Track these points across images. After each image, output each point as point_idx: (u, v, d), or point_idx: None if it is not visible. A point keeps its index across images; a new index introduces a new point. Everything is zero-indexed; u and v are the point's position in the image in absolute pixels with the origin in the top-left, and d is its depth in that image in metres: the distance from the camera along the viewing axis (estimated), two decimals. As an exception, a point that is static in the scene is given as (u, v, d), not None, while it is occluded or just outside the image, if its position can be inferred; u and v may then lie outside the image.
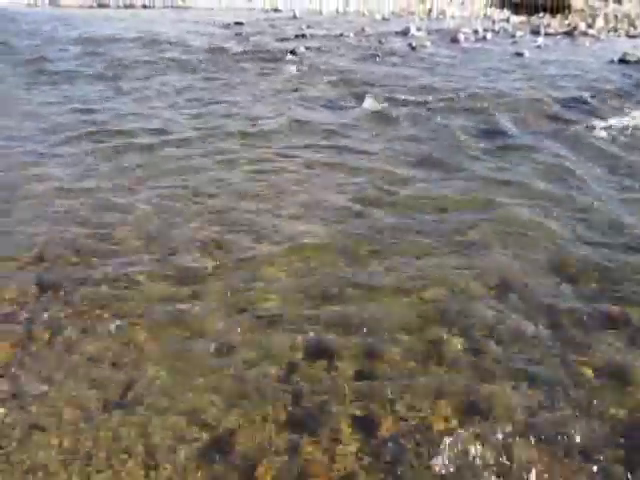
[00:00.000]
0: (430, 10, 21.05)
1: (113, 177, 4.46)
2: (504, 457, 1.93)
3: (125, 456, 1.95)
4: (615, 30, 16.07)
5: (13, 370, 2.34)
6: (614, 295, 2.89)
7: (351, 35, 13.26)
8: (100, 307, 2.75)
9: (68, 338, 2.53)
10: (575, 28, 15.32)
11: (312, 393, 2.21)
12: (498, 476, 1.87)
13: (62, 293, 2.86)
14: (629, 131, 5.66)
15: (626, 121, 5.94)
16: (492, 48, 11.53)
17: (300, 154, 5.00)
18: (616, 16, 18.79)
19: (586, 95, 7.09)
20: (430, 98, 7.02)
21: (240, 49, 11.08)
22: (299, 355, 2.43)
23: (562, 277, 3.06)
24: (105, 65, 9.46)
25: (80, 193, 4.14)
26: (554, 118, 6.20)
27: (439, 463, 1.91)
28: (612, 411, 2.15)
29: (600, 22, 17.36)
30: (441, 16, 19.61)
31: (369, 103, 6.70)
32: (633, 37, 14.83)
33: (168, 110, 6.60)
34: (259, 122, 6.04)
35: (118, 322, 2.63)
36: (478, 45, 12.07)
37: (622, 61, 9.94)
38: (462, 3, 22.71)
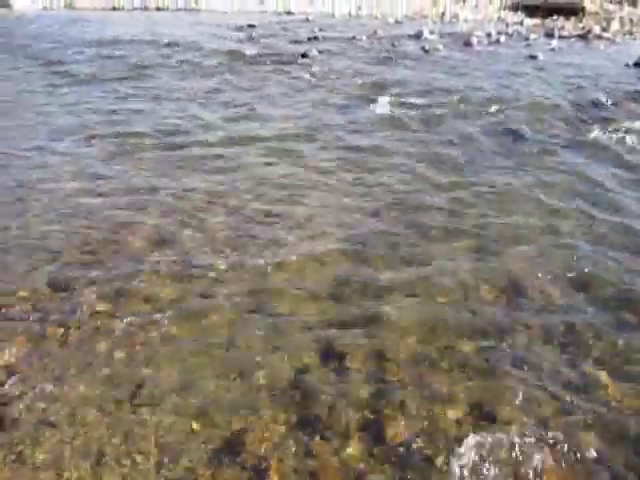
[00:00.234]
0: (443, 13, 20.98)
1: (128, 178, 4.49)
2: (515, 462, 1.91)
3: (136, 454, 1.96)
4: (630, 33, 15.91)
5: (27, 367, 2.36)
6: (629, 301, 2.85)
7: (364, 38, 13.24)
8: (112, 306, 2.77)
9: (81, 336, 2.55)
10: (589, 31, 15.19)
11: (323, 395, 2.20)
12: (510, 481, 1.85)
13: (75, 292, 2.89)
14: (645, 135, 5.59)
15: (641, 125, 5.88)
16: (505, 51, 11.46)
17: (312, 157, 5.01)
18: (631, 19, 18.62)
19: (601, 98, 7.02)
20: (443, 101, 6.99)
21: (252, 52, 11.11)
22: (310, 357, 2.42)
23: (576, 282, 3.03)
24: (121, 67, 9.55)
25: (94, 193, 4.17)
26: (569, 122, 6.15)
27: (449, 467, 1.89)
28: (626, 417, 2.12)
29: (615, 25, 17.21)
30: (454, 19, 19.52)
31: (382, 106, 6.69)
32: (649, 40, 14.67)
33: (181, 112, 6.64)
34: (271, 125, 6.05)
35: (130, 321, 2.64)
36: (491, 48, 12.01)
37: (638, 64, 9.84)
38: (475, 6, 22.62)
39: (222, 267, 3.13)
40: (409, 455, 1.94)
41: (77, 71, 9.23)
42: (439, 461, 1.92)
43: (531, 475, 1.88)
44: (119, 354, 2.43)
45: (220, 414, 2.12)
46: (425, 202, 4.04)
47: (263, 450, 1.97)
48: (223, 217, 3.78)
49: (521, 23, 18.14)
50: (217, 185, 4.34)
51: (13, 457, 1.95)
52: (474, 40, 12.77)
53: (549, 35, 14.52)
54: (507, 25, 17.41)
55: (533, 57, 10.56)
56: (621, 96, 7.25)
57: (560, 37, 14.28)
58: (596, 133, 5.71)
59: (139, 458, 1.95)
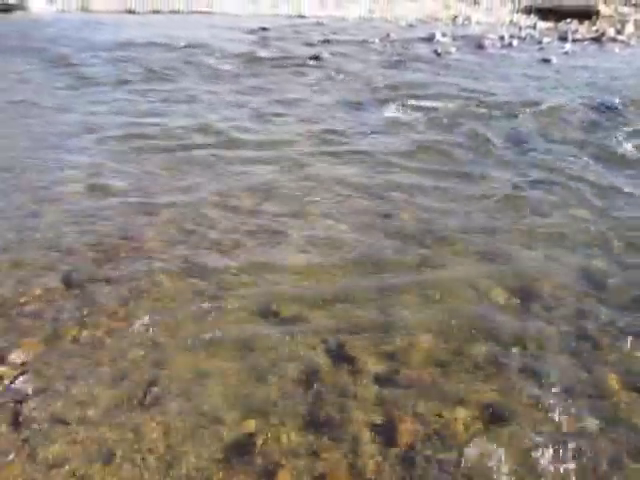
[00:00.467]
0: (456, 16, 20.91)
1: (140, 179, 4.52)
2: (526, 467, 1.90)
3: (146, 454, 1.97)
4: (645, 36, 15.74)
5: (40, 366, 2.38)
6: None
7: (376, 41, 13.25)
8: (124, 306, 2.79)
9: (93, 336, 2.57)
10: (603, 34, 15.07)
11: (333, 397, 2.20)
12: (521, 486, 1.84)
13: (88, 292, 2.91)
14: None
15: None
16: (518, 54, 11.41)
17: (324, 160, 5.01)
18: (646, 22, 18.44)
19: (616, 102, 6.96)
20: (455, 104, 6.97)
21: (265, 54, 11.16)
22: (321, 359, 2.43)
23: (590, 286, 3.00)
24: (137, 70, 9.63)
25: (107, 194, 4.21)
26: (583, 125, 6.10)
27: (460, 471, 1.88)
28: (639, 424, 2.10)
29: (630, 28, 17.04)
30: (467, 22, 19.46)
31: (393, 109, 6.68)
32: (664, 44, 14.51)
33: (195, 114, 6.68)
34: (282, 127, 6.07)
35: (141, 321, 2.66)
36: (504, 51, 11.96)
37: (653, 68, 9.75)
38: (488, 9, 22.54)
39: (233, 269, 3.14)
40: (420, 458, 1.94)
41: (94, 74, 9.33)
42: (450, 464, 1.90)
43: (543, 481, 1.86)
44: (131, 354, 2.45)
45: (230, 415, 2.12)
46: (437, 205, 4.03)
47: (273, 452, 1.97)
48: (235, 219, 3.79)
49: (534, 26, 18.04)
50: (229, 187, 4.35)
51: (25, 454, 1.96)
52: (487, 43, 12.72)
53: (562, 38, 14.43)
54: (520, 28, 17.33)
55: (546, 60, 10.50)
56: (636, 99, 7.18)
57: (574, 40, 14.18)
58: (611, 137, 5.66)
59: (149, 458, 1.96)
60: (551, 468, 1.90)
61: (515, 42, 13.42)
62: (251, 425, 2.08)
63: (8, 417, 2.11)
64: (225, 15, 23.36)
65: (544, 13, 20.68)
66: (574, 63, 10.31)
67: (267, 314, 2.74)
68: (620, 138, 5.60)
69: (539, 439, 2.00)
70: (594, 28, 17.18)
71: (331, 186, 4.40)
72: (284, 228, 3.65)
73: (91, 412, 2.13)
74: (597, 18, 19.67)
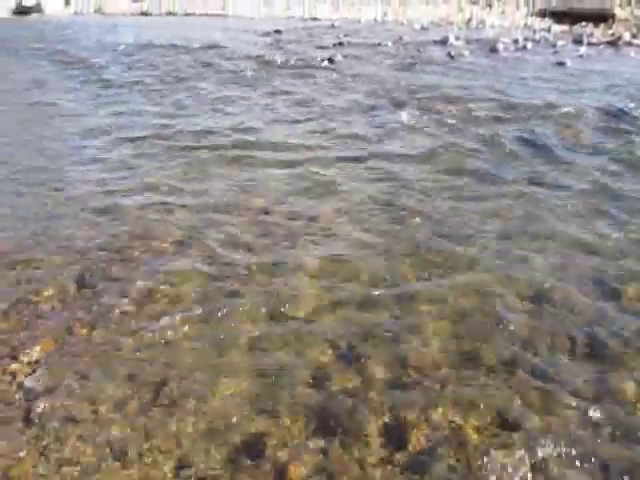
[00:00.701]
0: (469, 19, 20.85)
1: (154, 179, 4.56)
2: (539, 473, 1.88)
3: (157, 453, 1.97)
4: (662, 40, 15.57)
5: (52, 364, 2.40)
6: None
7: (389, 44, 13.24)
8: (137, 306, 2.80)
9: (105, 335, 2.59)
10: (619, 38, 14.94)
11: (343, 400, 2.19)
12: (532, 493, 1.82)
13: (101, 291, 2.93)
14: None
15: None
16: (533, 58, 11.34)
17: (338, 162, 5.01)
18: (663, 26, 18.25)
19: (631, 106, 6.89)
20: (468, 108, 6.93)
21: (278, 57, 11.20)
22: (331, 361, 2.42)
23: (604, 291, 2.97)
24: (153, 72, 9.77)
25: (121, 194, 4.25)
26: (598, 129, 6.04)
27: (471, 477, 1.87)
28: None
29: (646, 32, 16.87)
30: (480, 25, 19.39)
31: (406, 112, 6.67)
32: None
33: (208, 114, 6.74)
34: (295, 130, 6.08)
35: (153, 321, 2.68)
36: (518, 54, 11.89)
37: (669, 72, 9.63)
38: (502, 13, 22.45)
39: (244, 268, 3.15)
40: (431, 463, 1.92)
41: (112, 76, 9.47)
42: (462, 470, 1.89)
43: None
44: (142, 354, 2.46)
45: (240, 416, 2.12)
46: (450, 209, 4.01)
47: (282, 454, 1.97)
48: (248, 219, 3.80)
49: (548, 30, 17.92)
50: (242, 188, 4.37)
51: (37, 452, 1.98)
52: (500, 46, 12.66)
53: (577, 42, 14.31)
54: (534, 32, 17.22)
55: (561, 64, 10.43)
56: (652, 104, 7.10)
57: (589, 44, 14.06)
58: (626, 142, 5.60)
59: (160, 457, 1.96)
60: (564, 475, 1.88)
61: (529, 45, 13.35)
62: (262, 426, 2.08)
63: (20, 414, 2.13)
64: (239, 18, 23.49)
65: (559, 16, 20.53)
66: (589, 67, 10.22)
67: (279, 315, 2.74)
68: (636, 143, 5.54)
69: (552, 445, 1.98)
70: (610, 32, 17.02)
71: (345, 188, 4.39)
72: (298, 230, 3.65)
73: (102, 411, 2.15)
74: (613, 22, 19.50)
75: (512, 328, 2.64)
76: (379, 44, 13.25)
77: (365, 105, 7.22)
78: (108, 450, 1.98)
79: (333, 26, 18.50)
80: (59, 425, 2.08)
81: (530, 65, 10.44)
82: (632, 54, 12.47)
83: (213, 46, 12.91)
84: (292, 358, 2.43)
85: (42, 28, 19.10)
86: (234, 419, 2.11)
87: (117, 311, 2.76)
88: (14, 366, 2.37)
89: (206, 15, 25.14)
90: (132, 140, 5.67)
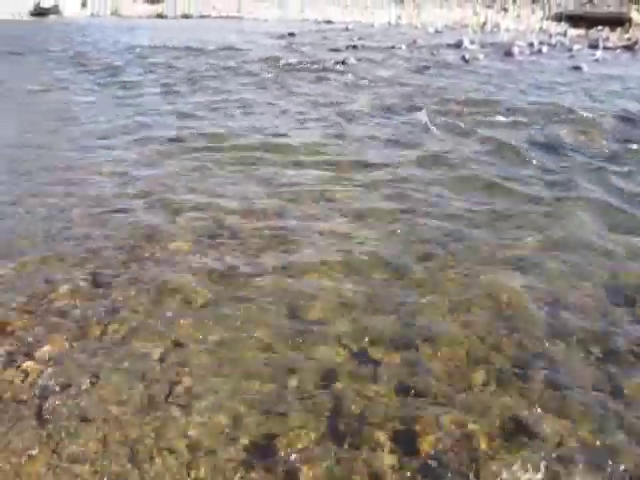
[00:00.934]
0: (484, 23, 20.76)
1: (166, 180, 4.59)
2: (551, 481, 1.86)
3: (167, 453, 1.98)
4: (680, 45, 15.38)
5: (66, 362, 2.42)
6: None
7: (403, 47, 13.23)
8: (148, 305, 2.81)
9: (118, 334, 2.60)
10: (636, 42, 14.79)
11: (353, 403, 2.18)
12: (545, 501, 1.80)
13: (114, 290, 2.95)
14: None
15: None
16: (548, 62, 11.27)
17: (352, 164, 5.01)
18: (681, 31, 18.04)
19: (647, 111, 6.82)
20: (482, 111, 6.90)
21: (292, 59, 11.24)
22: (343, 363, 2.41)
23: (619, 298, 2.93)
24: (170, 73, 9.86)
25: (136, 194, 4.28)
26: (614, 135, 5.98)
27: (483, 483, 1.85)
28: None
29: (663, 36, 16.69)
30: (495, 29, 19.29)
31: (420, 115, 6.65)
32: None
33: (224, 116, 6.78)
34: (309, 132, 6.09)
35: (166, 321, 2.69)
36: (533, 58, 11.82)
37: (687, 77, 9.52)
38: (517, 16, 22.33)
39: (256, 269, 3.15)
40: (441, 470, 1.91)
41: (130, 77, 9.57)
42: (472, 477, 1.87)
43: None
44: (154, 353, 2.47)
45: (251, 417, 2.12)
46: (463, 213, 3.99)
47: (293, 456, 1.96)
48: (261, 221, 3.81)
49: (564, 34, 17.80)
50: (256, 189, 4.39)
51: (49, 449, 1.99)
52: (515, 50, 12.60)
53: (593, 46, 14.20)
54: (550, 35, 17.11)
55: (577, 68, 10.35)
56: (669, 109, 7.02)
57: (605, 48, 13.94)
58: (641, 147, 5.54)
59: (170, 457, 1.97)
60: (577, 484, 1.85)
61: (545, 49, 13.26)
62: (271, 428, 2.07)
63: (33, 412, 2.14)
64: (253, 20, 23.60)
65: (574, 20, 20.38)
66: (605, 71, 10.13)
67: (290, 317, 2.74)
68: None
69: (566, 454, 1.96)
70: (626, 36, 16.87)
71: (357, 191, 4.39)
72: (309, 231, 3.65)
73: (115, 410, 2.16)
74: (629, 26, 19.32)
75: (525, 333, 2.62)
76: (393, 47, 13.24)
77: (379, 108, 7.21)
78: (119, 449, 1.99)
79: (347, 29, 18.52)
80: (71, 423, 2.09)
81: (546, 69, 10.37)
82: (649, 58, 12.34)
83: (228, 48, 12.99)
84: (303, 360, 2.43)
85: (60, 29, 19.33)
86: (245, 420, 2.11)
87: (130, 310, 2.77)
88: (27, 363, 2.39)
89: (221, 17, 25.29)
90: (148, 141, 5.71)
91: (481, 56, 11.73)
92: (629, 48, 14.19)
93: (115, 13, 27.93)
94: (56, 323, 2.67)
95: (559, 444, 1.99)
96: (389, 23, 21.62)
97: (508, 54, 12.28)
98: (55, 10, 26.68)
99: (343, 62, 10.67)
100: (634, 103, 7.37)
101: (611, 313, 2.81)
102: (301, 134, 5.97)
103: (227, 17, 25.11)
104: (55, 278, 3.06)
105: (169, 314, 2.74)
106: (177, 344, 2.54)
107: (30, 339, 2.55)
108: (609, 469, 1.91)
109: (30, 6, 26.36)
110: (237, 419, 2.11)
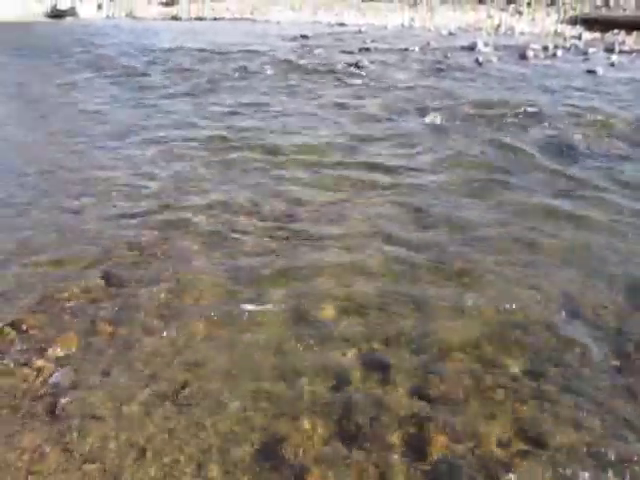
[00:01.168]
0: (498, 26, 20.63)
1: (179, 181, 4.61)
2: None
3: (177, 453, 1.98)
4: (698, 49, 15.18)
5: (77, 361, 2.43)
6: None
7: (416, 49, 13.19)
8: (160, 305, 2.83)
9: (129, 334, 2.61)
10: (653, 46, 14.61)
11: (364, 406, 2.17)
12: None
13: (125, 290, 2.97)
14: None
15: None
16: (563, 65, 11.17)
17: (364, 167, 4.99)
18: (699, 34, 17.79)
19: (664, 116, 6.72)
20: (495, 114, 6.86)
21: (305, 61, 11.25)
22: (353, 367, 2.40)
23: (634, 305, 2.89)
24: (185, 75, 9.93)
25: (146, 195, 4.30)
26: (629, 139, 5.91)
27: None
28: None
29: (681, 40, 16.47)
30: (509, 32, 19.16)
31: (433, 117, 6.63)
32: None
33: (238, 117, 6.80)
34: (321, 134, 6.08)
35: (176, 321, 2.70)
36: (548, 62, 11.72)
37: None
38: (532, 19, 22.18)
39: (267, 272, 3.15)
40: (452, 475, 1.89)
41: (147, 79, 9.67)
42: (483, 482, 1.86)
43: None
44: (165, 353, 2.48)
45: (261, 419, 2.12)
46: (475, 217, 3.96)
47: (302, 458, 1.96)
48: (272, 222, 3.81)
49: (579, 37, 17.64)
50: (267, 190, 4.39)
51: (60, 447, 2.00)
52: (530, 53, 12.50)
53: (609, 50, 14.05)
54: (565, 39, 16.97)
55: (592, 72, 10.25)
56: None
57: (621, 52, 13.79)
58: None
59: (180, 457, 1.97)
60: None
61: (559, 52, 13.15)
62: (281, 429, 2.07)
63: (45, 410, 2.16)
64: (266, 22, 23.67)
65: (590, 24, 20.20)
66: (621, 75, 10.02)
67: (301, 318, 2.73)
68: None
69: (579, 463, 1.93)
70: (643, 39, 16.67)
71: (369, 193, 4.38)
72: (321, 233, 3.64)
73: (125, 409, 2.17)
74: (646, 29, 19.09)
75: (538, 337, 2.59)
76: (406, 49, 13.20)
77: (392, 110, 7.19)
78: (129, 448, 2.00)
79: (360, 31, 18.50)
80: (82, 422, 2.10)
81: (560, 73, 10.28)
82: (666, 62, 12.18)
83: (242, 50, 13.04)
84: (314, 361, 2.42)
85: (76, 31, 19.53)
86: (255, 421, 2.11)
87: (141, 310, 2.78)
88: (40, 362, 2.41)
89: (234, 19, 25.41)
90: (162, 141, 5.75)
91: (495, 59, 11.65)
92: (646, 52, 14.00)
93: (130, 15, 28.17)
94: (69, 322, 2.70)
95: (573, 452, 1.97)
96: (402, 25, 21.56)
97: (522, 57, 12.18)
98: (72, 12, 26.97)
99: (356, 64, 10.66)
100: (650, 107, 7.27)
101: (626, 318, 2.77)
102: (314, 136, 5.96)
103: (240, 19, 25.20)
104: (68, 277, 3.09)
105: (180, 314, 2.75)
106: (188, 344, 2.54)
107: (43, 337, 2.57)
108: (626, 477, 1.88)
109: (47, 8, 26.68)
110: (247, 420, 2.11)
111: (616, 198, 4.33)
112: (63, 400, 2.20)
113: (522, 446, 2.01)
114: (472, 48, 13.52)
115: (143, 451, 1.99)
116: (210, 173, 4.82)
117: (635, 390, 2.29)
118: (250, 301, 2.86)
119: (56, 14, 26.55)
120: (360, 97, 8.07)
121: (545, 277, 3.14)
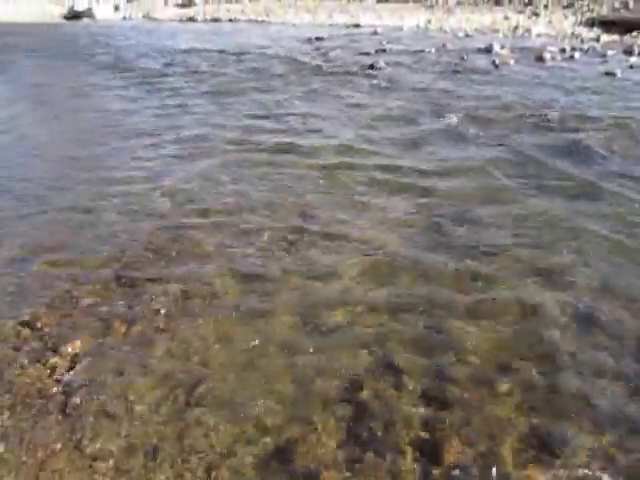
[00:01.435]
0: (515, 28, 20.46)
1: (192, 180, 4.62)
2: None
3: (188, 453, 1.98)
4: None
5: (90, 359, 2.44)
6: None
7: (432, 51, 13.12)
8: (173, 305, 2.83)
9: (142, 333, 2.62)
10: (673, 48, 14.39)
11: (376, 410, 2.16)
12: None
13: (139, 289, 2.98)
14: None
15: None
16: (580, 67, 11.04)
17: (379, 169, 4.96)
18: None
19: (684, 119, 6.61)
20: (512, 117, 6.79)
21: (321, 63, 11.26)
22: (366, 370, 2.38)
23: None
24: (203, 77, 10.00)
25: (160, 195, 4.32)
26: (647, 141, 5.82)
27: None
28: None
29: (702, 43, 16.20)
30: (526, 34, 18.99)
31: (448, 119, 6.58)
32: None
33: (253, 118, 6.81)
34: (336, 136, 6.07)
35: (189, 322, 2.69)
36: (565, 64, 11.59)
37: None
38: (549, 22, 21.98)
39: (279, 272, 3.14)
40: (465, 479, 1.87)
41: (164, 80, 9.76)
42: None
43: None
44: (178, 353, 2.48)
45: (272, 421, 2.11)
46: (490, 219, 3.91)
47: (314, 460, 1.95)
48: (286, 224, 3.80)
49: (597, 39, 17.43)
50: (282, 192, 4.38)
51: (72, 444, 2.01)
52: (547, 55, 12.37)
53: (628, 52, 13.87)
54: (582, 41, 16.79)
55: (610, 74, 10.12)
56: None
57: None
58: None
59: (191, 457, 1.96)
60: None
61: (577, 55, 13.01)
62: (293, 431, 2.06)
63: (58, 408, 2.17)
64: (282, 24, 23.71)
65: (608, 26, 19.96)
66: (640, 77, 9.88)
67: (313, 320, 2.72)
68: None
69: (590, 469, 1.89)
70: (663, 42, 16.43)
71: (383, 195, 4.35)
72: (334, 235, 3.62)
73: (137, 407, 2.17)
74: (666, 31, 18.82)
75: (552, 343, 2.55)
76: (422, 51, 13.15)
77: (408, 112, 7.15)
78: (141, 447, 2.00)
79: (375, 33, 18.46)
80: (94, 420, 2.11)
81: (578, 75, 10.16)
82: (686, 65, 11.99)
83: (258, 52, 13.10)
84: (326, 364, 2.41)
85: (94, 32, 19.74)
86: (267, 423, 2.10)
87: (154, 310, 2.79)
88: (53, 360, 2.43)
89: (250, 21, 25.49)
90: (179, 142, 5.78)
91: (512, 61, 11.55)
92: (665, 54, 13.80)
93: (146, 16, 28.41)
94: (83, 321, 2.71)
95: (587, 459, 1.93)
96: (418, 27, 21.47)
97: (539, 59, 12.06)
98: (89, 13, 27.28)
99: (372, 66, 10.64)
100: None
101: (644, 325, 2.72)
102: (330, 137, 5.95)
103: (256, 21, 25.29)
104: (83, 276, 3.11)
105: (193, 315, 2.75)
106: (201, 345, 2.54)
107: (57, 336, 2.58)
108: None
109: (65, 9, 27.01)
110: (259, 421, 2.10)
111: (631, 201, 4.26)
112: (75, 398, 2.21)
113: (536, 452, 1.97)
114: (488, 50, 13.43)
115: (155, 450, 1.98)
116: (226, 173, 4.82)
117: (654, 398, 2.24)
118: (262, 303, 2.85)
119: (73, 15, 26.88)
120: (376, 99, 8.04)
121: (560, 281, 3.09)
